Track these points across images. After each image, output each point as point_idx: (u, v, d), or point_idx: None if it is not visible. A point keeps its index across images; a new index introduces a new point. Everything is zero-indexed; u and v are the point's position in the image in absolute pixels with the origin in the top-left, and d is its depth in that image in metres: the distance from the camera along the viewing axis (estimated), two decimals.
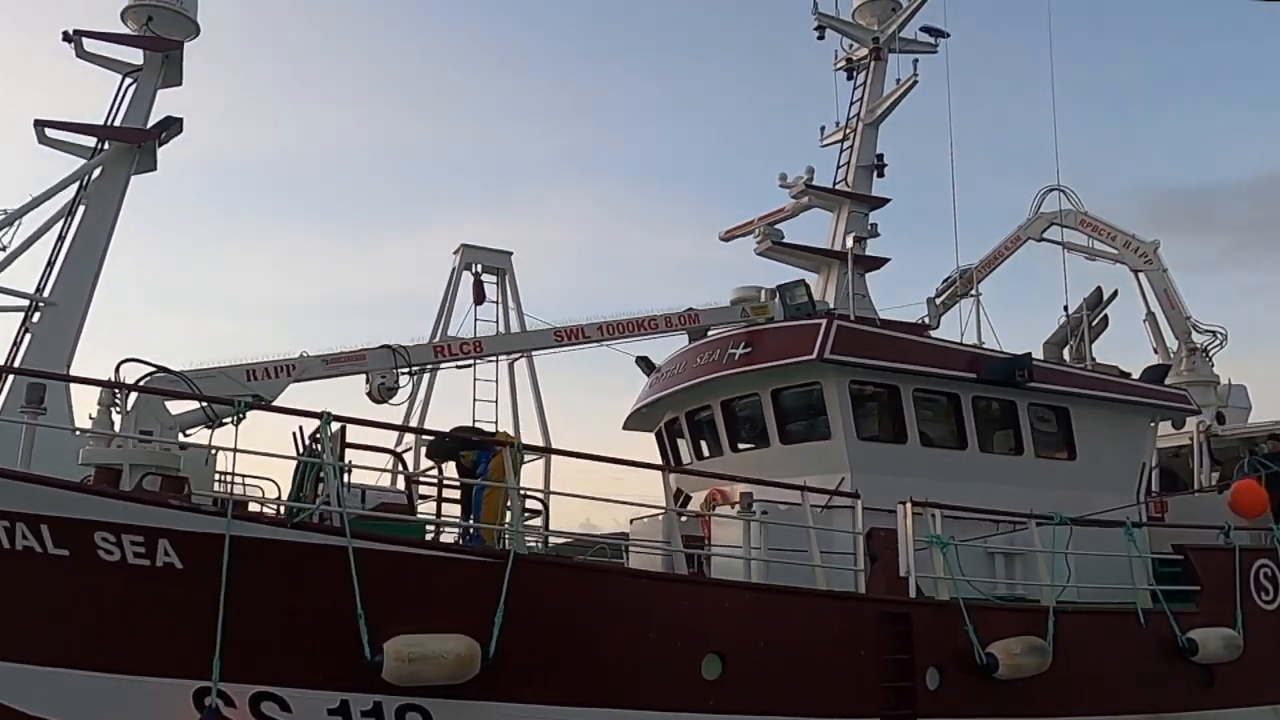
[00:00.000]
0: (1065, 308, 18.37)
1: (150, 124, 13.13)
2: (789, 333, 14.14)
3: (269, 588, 8.82)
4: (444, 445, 11.45)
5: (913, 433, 14.14)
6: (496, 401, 16.26)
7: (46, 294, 12.19)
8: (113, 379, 10.49)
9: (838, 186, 18.03)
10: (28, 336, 12.03)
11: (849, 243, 15.60)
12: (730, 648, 10.36)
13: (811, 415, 14.12)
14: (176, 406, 11.05)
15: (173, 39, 13.10)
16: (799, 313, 14.38)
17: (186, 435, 11.11)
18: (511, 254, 17.85)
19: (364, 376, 12.18)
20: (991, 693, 11.60)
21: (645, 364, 17.06)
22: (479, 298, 17.70)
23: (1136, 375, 16.99)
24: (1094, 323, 18.29)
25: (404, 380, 12.38)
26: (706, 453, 15.85)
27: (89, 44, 13.19)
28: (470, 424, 11.08)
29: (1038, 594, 12.63)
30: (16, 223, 12.14)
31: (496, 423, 16.04)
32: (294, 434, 10.27)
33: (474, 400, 16.09)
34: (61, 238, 12.48)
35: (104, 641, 8.65)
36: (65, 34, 12.91)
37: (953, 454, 14.51)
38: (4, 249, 12.07)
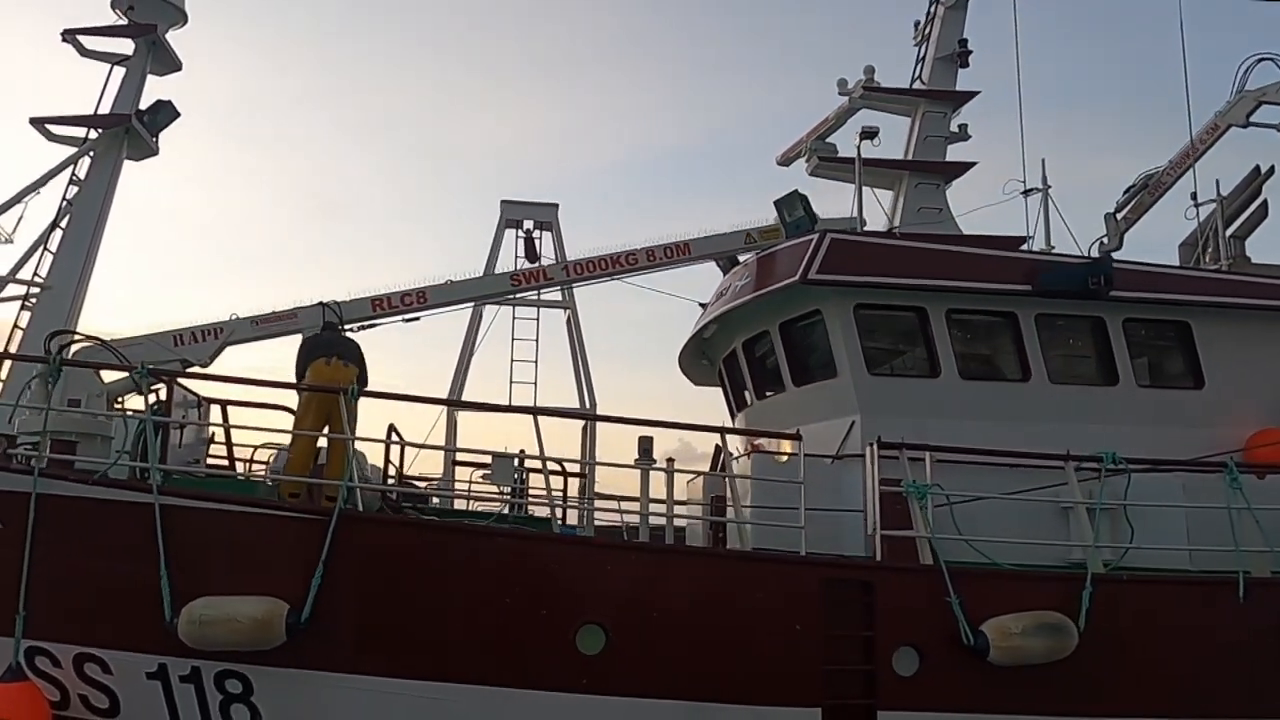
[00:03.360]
0: (1193, 195, 14.10)
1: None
2: (784, 255, 12.04)
3: (83, 547, 8.61)
4: None
5: (948, 364, 11.53)
6: (536, 361, 15.39)
7: (42, 277, 12.94)
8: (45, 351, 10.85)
9: (915, 85, 15.30)
10: (26, 316, 12.85)
11: (857, 145, 13.00)
12: (614, 618, 8.81)
13: (820, 350, 11.94)
14: (109, 375, 11.24)
15: (147, 24, 13.45)
16: (798, 230, 12.19)
17: (120, 402, 11.28)
18: (557, 206, 16.85)
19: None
20: (992, 683, 9.06)
21: (704, 307, 15.52)
22: (531, 255, 16.88)
23: None
24: (1249, 211, 14.01)
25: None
26: (748, 400, 14.04)
27: (87, 41, 13.89)
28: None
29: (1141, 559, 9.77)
30: (21, 213, 12.98)
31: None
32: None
33: (512, 360, 15.32)
34: (56, 224, 13.22)
35: None
36: (62, 35, 13.67)
37: (1011, 388, 11.70)
38: (10, 240, 12.93)
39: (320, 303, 11.71)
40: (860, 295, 11.47)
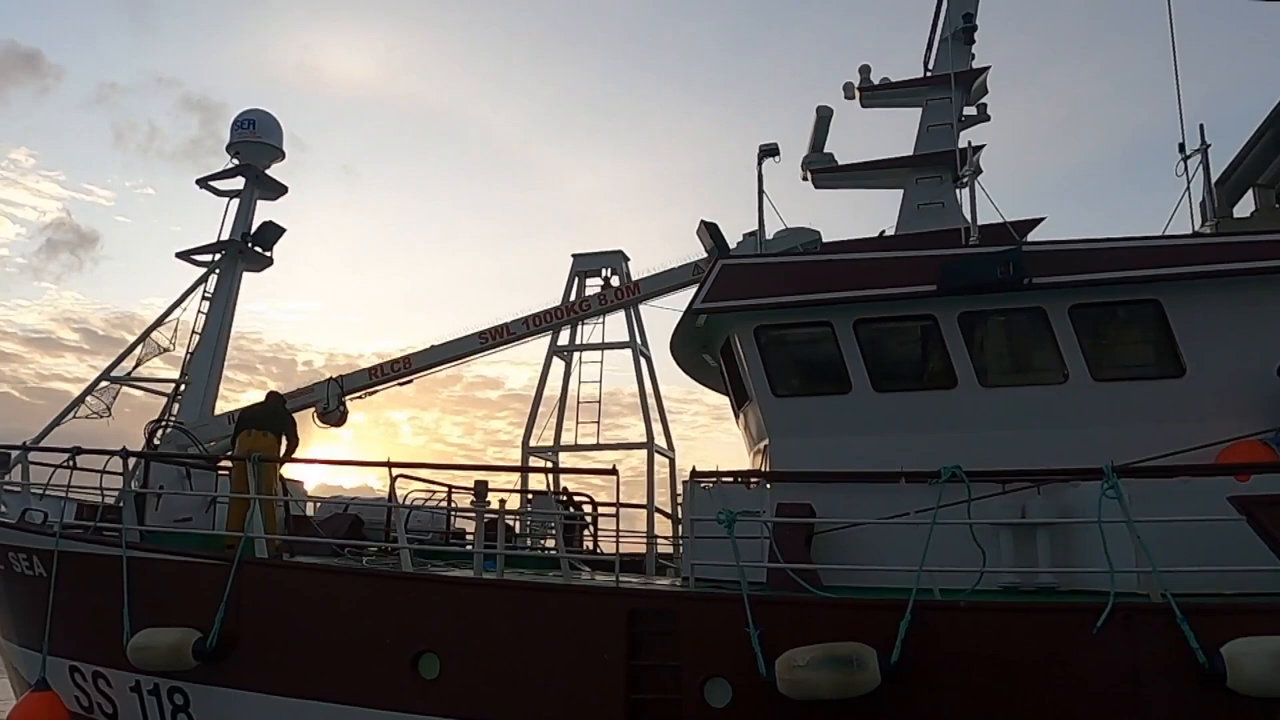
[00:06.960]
0: (1180, 146, 10.97)
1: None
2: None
3: (89, 589, 11.40)
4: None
5: (859, 378, 10.91)
6: (600, 401, 16.34)
7: (185, 374, 16.60)
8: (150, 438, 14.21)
9: (927, 75, 14.30)
10: (176, 406, 16.54)
11: (758, 168, 12.48)
12: (446, 647, 9.80)
13: (739, 375, 11.87)
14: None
15: (246, 163, 16.82)
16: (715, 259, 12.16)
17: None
18: (622, 252, 17.67)
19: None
20: (804, 718, 8.67)
21: None
22: None
23: None
24: None
25: (348, 405, 13.92)
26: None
27: (218, 184, 17.61)
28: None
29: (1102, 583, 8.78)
30: (175, 325, 16.83)
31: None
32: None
33: (579, 401, 16.43)
34: (195, 332, 16.87)
35: (28, 629, 12.12)
36: (197, 182, 17.43)
37: (935, 397, 10.77)
38: (170, 348, 16.81)
39: (328, 378, 13.97)
40: (760, 317, 11.29)
